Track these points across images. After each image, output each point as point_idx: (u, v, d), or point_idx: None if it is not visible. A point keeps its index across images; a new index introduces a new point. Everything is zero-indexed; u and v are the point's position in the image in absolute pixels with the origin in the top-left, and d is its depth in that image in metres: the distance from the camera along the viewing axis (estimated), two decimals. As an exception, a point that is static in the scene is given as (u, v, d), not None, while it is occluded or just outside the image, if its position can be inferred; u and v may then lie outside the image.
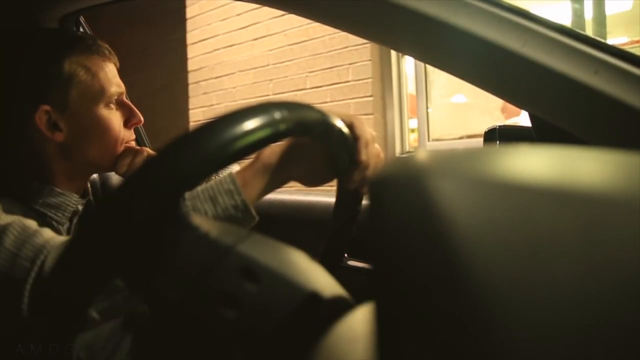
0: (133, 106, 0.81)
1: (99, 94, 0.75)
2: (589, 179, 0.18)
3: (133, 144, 0.82)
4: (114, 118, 0.77)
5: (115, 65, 0.81)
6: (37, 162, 0.76)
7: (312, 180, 0.62)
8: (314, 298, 0.34)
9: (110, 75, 0.78)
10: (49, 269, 0.56)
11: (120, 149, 0.78)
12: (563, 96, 0.49)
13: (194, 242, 0.37)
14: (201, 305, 0.35)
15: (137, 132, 1.35)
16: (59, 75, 0.73)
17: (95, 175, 0.91)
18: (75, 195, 0.78)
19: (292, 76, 3.15)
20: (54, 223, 0.75)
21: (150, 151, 0.83)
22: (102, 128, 0.75)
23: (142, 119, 0.81)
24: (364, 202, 0.65)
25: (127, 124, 0.80)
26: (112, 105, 0.77)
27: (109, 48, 0.80)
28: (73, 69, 0.74)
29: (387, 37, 0.62)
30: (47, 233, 0.61)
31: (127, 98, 0.82)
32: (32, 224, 0.63)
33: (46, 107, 0.72)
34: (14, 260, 0.57)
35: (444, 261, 0.17)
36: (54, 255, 0.57)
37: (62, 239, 0.61)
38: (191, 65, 3.73)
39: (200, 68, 3.66)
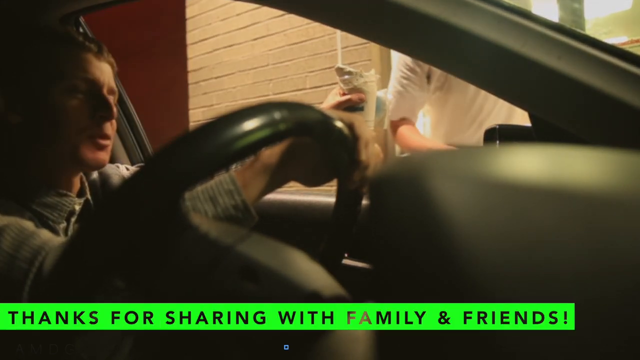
0: (109, 100, 0.77)
1: (56, 77, 0.74)
2: (589, 179, 0.18)
3: (107, 142, 0.77)
4: (75, 105, 0.74)
5: (98, 58, 0.78)
6: (8, 150, 0.76)
7: (312, 180, 0.62)
8: (314, 298, 0.34)
9: (78, 60, 0.75)
10: (47, 270, 0.56)
11: (83, 141, 0.74)
12: (563, 96, 0.49)
13: (194, 241, 0.37)
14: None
15: (137, 132, 1.36)
16: (16, 57, 0.74)
17: (95, 175, 0.90)
18: (71, 195, 0.78)
19: (291, 76, 3.15)
20: (50, 223, 0.75)
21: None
22: (57, 113, 0.73)
23: (114, 114, 0.77)
24: (364, 202, 0.65)
25: (94, 116, 0.75)
26: (78, 94, 0.74)
27: (96, 42, 0.79)
28: (33, 51, 0.74)
29: (387, 37, 0.62)
30: (45, 234, 0.61)
31: (109, 94, 0.78)
32: (29, 225, 0.63)
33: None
34: (11, 262, 0.57)
35: (444, 260, 0.17)
36: (53, 257, 0.57)
37: (60, 239, 0.61)
38: (191, 65, 3.73)
39: (200, 68, 3.66)
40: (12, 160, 0.76)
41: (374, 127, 0.98)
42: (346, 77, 0.92)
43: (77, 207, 0.80)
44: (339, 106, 0.92)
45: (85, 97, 0.75)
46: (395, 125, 1.68)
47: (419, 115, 1.76)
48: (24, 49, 0.75)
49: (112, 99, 0.79)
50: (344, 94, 0.92)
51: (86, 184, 0.84)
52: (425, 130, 1.81)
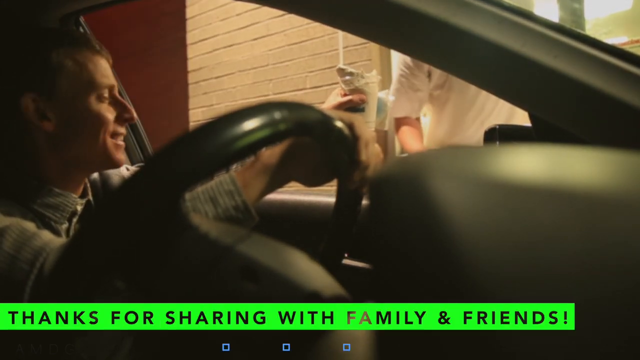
0: (127, 103, 0.82)
1: (87, 85, 0.76)
2: (589, 179, 0.18)
3: (121, 138, 0.82)
4: (105, 110, 0.78)
5: (107, 61, 0.82)
6: (29, 156, 0.76)
7: (312, 180, 0.62)
8: (313, 298, 0.34)
9: (101, 68, 0.79)
10: (48, 271, 0.56)
11: (109, 140, 0.78)
12: (563, 96, 0.49)
13: (194, 241, 0.37)
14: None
15: (137, 132, 1.36)
16: (46, 64, 0.75)
17: (96, 175, 0.90)
18: (74, 195, 0.78)
19: (291, 76, 3.15)
20: (52, 223, 0.75)
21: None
22: (92, 119, 0.76)
23: (135, 116, 0.82)
24: (364, 202, 0.65)
25: (119, 119, 0.80)
26: (104, 99, 0.78)
27: (100, 44, 0.82)
28: (61, 59, 0.76)
29: (387, 37, 0.62)
30: (46, 235, 0.61)
31: (121, 95, 0.83)
32: (31, 226, 0.63)
33: (32, 95, 0.74)
34: (13, 263, 0.57)
35: (444, 260, 0.17)
36: (54, 258, 0.57)
37: (61, 240, 0.61)
38: (191, 65, 3.73)
39: (200, 68, 3.66)
40: (22, 162, 0.77)
41: (375, 128, 0.98)
42: (347, 77, 0.92)
43: (79, 208, 0.80)
44: (340, 107, 0.92)
45: (109, 102, 0.79)
46: (397, 123, 1.72)
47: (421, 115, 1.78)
48: (60, 59, 0.76)
49: None
50: (345, 95, 0.93)
51: (88, 185, 0.85)
52: (426, 130, 1.83)
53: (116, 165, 0.81)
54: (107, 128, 0.77)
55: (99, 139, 0.77)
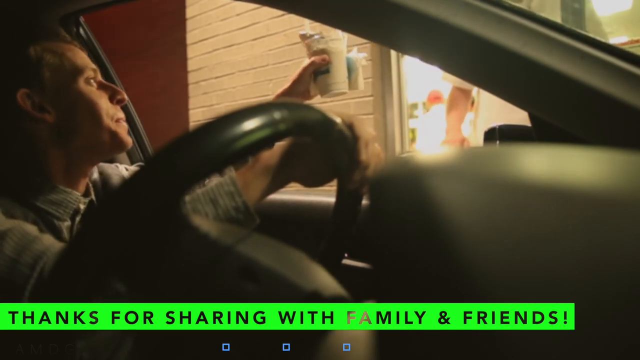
0: (114, 85, 0.84)
1: (71, 71, 0.78)
2: (589, 179, 0.18)
3: (124, 121, 0.83)
4: (97, 93, 0.79)
5: (82, 50, 0.84)
6: (34, 153, 0.77)
7: (313, 180, 0.62)
8: (313, 298, 0.34)
9: (79, 54, 0.81)
10: (48, 275, 0.56)
11: (113, 124, 0.80)
12: (563, 96, 0.49)
13: (194, 242, 0.37)
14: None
15: (137, 132, 1.36)
16: (28, 60, 0.77)
17: (96, 176, 0.90)
18: (77, 193, 0.78)
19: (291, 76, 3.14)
20: (55, 220, 0.75)
21: None
22: (87, 102, 0.78)
23: (126, 96, 0.83)
24: (364, 202, 0.65)
25: (112, 101, 0.82)
26: (92, 83, 0.80)
27: (68, 36, 0.84)
28: (39, 53, 0.78)
29: (387, 37, 0.62)
30: (48, 239, 0.61)
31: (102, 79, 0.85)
32: (32, 229, 0.63)
33: (25, 90, 0.75)
34: (13, 266, 0.57)
35: (445, 260, 0.17)
36: (54, 261, 0.57)
37: (62, 245, 0.61)
38: (191, 65, 3.73)
39: (200, 68, 3.66)
40: (27, 160, 0.77)
41: (349, 88, 0.94)
42: (308, 41, 0.91)
43: (82, 207, 0.80)
44: (304, 72, 0.91)
45: (98, 87, 0.81)
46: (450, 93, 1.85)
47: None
48: (38, 53, 0.78)
49: None
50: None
51: (90, 185, 0.85)
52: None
53: (125, 145, 0.82)
54: (105, 108, 0.79)
55: (102, 122, 0.78)
